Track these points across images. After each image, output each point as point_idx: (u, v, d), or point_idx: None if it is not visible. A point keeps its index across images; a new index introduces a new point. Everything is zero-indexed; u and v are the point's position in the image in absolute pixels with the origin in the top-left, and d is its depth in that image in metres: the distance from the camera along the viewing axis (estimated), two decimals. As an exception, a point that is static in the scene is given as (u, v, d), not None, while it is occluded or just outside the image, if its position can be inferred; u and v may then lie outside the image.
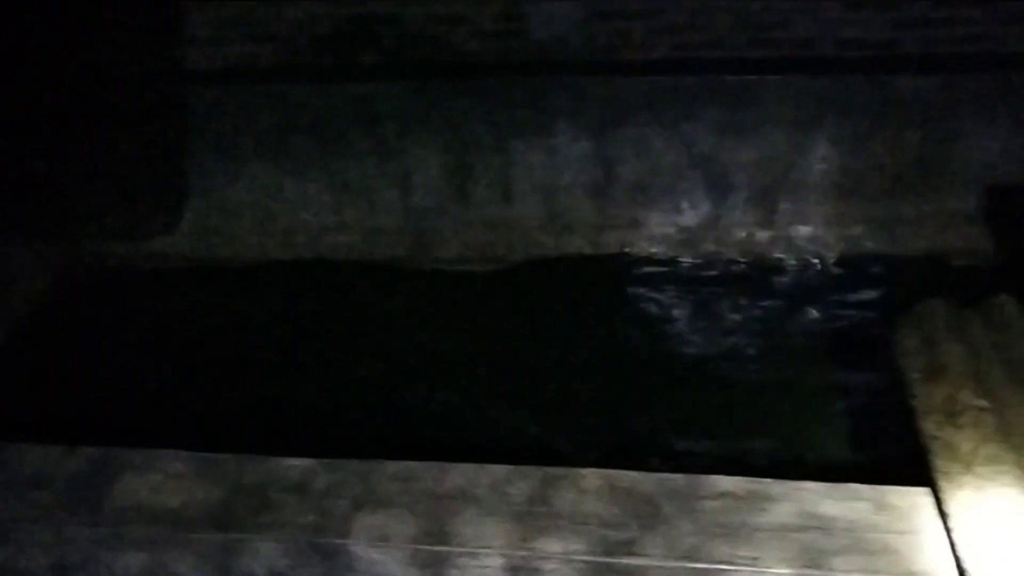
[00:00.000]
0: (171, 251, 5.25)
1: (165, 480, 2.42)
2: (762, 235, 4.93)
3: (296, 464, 2.48)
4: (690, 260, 4.96)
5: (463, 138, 4.86)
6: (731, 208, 4.92)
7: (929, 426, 2.50)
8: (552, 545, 2.22)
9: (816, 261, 4.85)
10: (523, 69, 4.94)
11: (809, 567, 2.15)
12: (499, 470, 2.44)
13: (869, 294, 4.57)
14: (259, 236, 5.19)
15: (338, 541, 2.27)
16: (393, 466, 2.46)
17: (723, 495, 2.32)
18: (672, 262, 4.96)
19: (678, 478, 2.40)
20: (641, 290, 4.82)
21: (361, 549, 2.26)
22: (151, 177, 5.10)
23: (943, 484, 2.30)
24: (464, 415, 3.90)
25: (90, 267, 5.24)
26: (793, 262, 4.85)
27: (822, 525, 2.23)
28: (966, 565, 2.09)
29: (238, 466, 2.47)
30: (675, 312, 4.65)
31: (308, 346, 4.54)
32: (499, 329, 4.57)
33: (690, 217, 4.94)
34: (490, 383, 4.14)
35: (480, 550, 2.22)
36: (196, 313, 4.80)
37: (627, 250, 5.00)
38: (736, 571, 2.16)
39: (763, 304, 4.60)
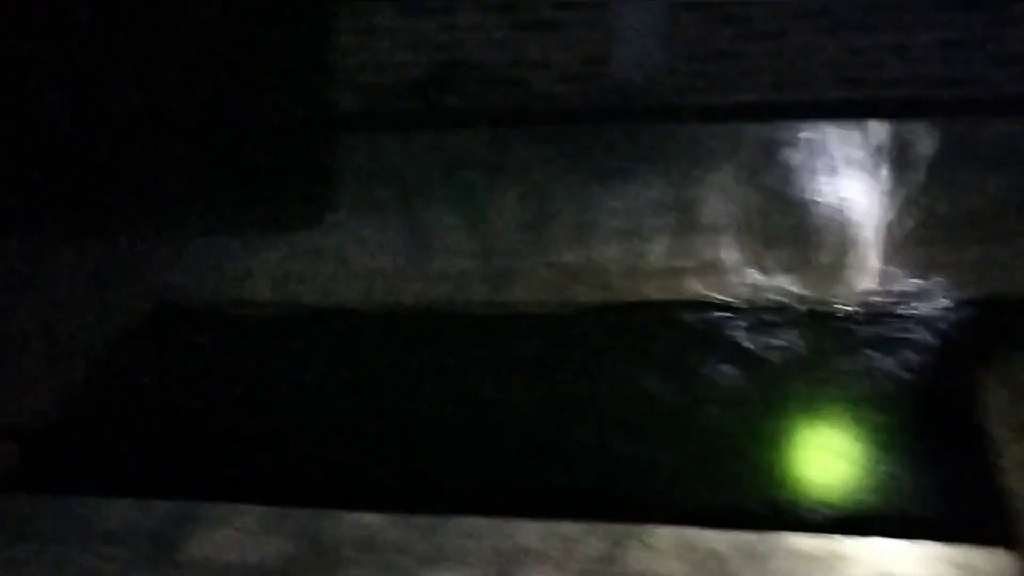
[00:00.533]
0: (253, 295, 5.34)
1: (237, 535, 2.44)
2: (843, 280, 4.83)
3: (366, 520, 2.48)
4: (771, 307, 4.88)
5: (542, 184, 4.86)
6: (813, 253, 4.82)
7: (1017, 486, 2.40)
8: (620, 605, 2.18)
9: (897, 308, 4.74)
10: (604, 115, 4.95)
11: (887, 631, 2.08)
12: (569, 527, 2.41)
13: (955, 343, 4.43)
14: (339, 282, 5.26)
15: (409, 599, 2.26)
16: (462, 522, 2.45)
17: (796, 554, 2.25)
18: (752, 309, 4.88)
19: (750, 536, 2.34)
20: (720, 337, 4.75)
21: (429, 607, 2.25)
22: (236, 221, 5.20)
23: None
24: (535, 467, 3.85)
25: (173, 308, 5.35)
26: (874, 308, 4.74)
27: (900, 586, 2.16)
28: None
29: (309, 521, 2.48)
30: (754, 360, 4.55)
31: (383, 394, 4.55)
32: (577, 376, 4.53)
33: (772, 263, 4.85)
34: (564, 433, 4.09)
35: (548, 610, 2.19)
36: (275, 359, 4.86)
37: (707, 296, 4.94)
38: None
39: (843, 352, 4.49)
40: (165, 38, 5.27)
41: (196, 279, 5.30)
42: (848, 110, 4.94)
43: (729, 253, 4.84)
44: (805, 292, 4.86)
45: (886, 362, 4.36)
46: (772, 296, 4.86)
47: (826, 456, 3.77)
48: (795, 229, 4.75)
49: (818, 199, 4.70)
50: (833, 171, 4.70)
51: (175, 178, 5.16)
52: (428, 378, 4.64)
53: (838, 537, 2.29)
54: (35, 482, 2.72)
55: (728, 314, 4.85)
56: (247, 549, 2.41)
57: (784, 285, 4.84)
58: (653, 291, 4.96)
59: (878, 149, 4.65)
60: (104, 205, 5.02)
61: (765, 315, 4.83)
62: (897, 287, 4.71)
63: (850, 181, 4.70)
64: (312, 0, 5.15)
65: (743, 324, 4.81)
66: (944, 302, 4.60)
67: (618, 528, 2.40)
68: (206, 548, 2.41)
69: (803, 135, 4.75)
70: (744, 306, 4.89)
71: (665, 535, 2.36)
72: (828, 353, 4.49)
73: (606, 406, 4.30)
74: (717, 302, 4.88)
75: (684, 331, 4.81)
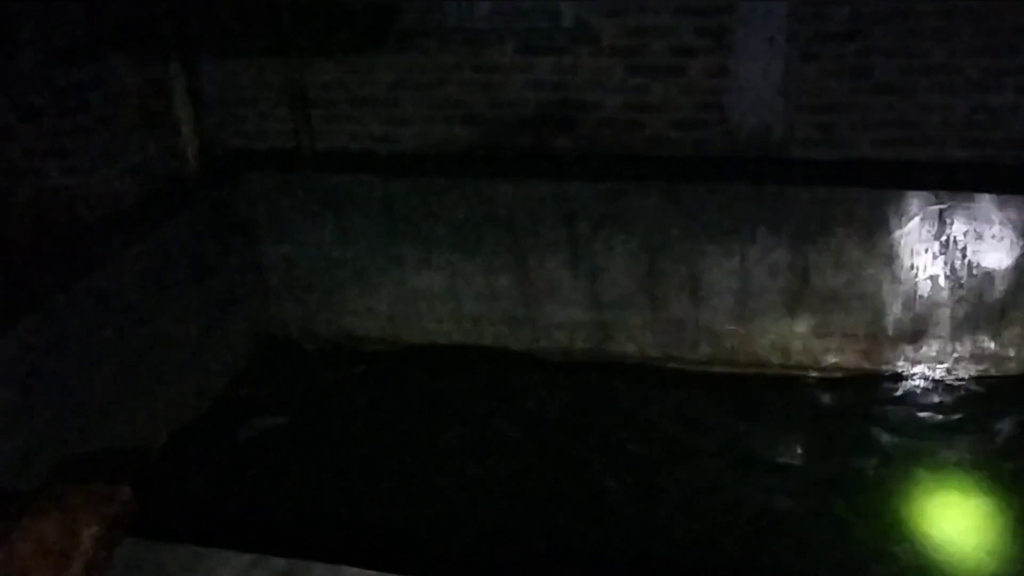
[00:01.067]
0: (365, 333, 5.41)
1: (347, 600, 2.44)
2: (965, 351, 4.71)
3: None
4: (889, 376, 4.77)
5: (655, 238, 4.81)
6: (937, 324, 4.70)
7: None
8: None
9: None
10: (720, 171, 4.88)
11: None
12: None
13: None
14: (448, 324, 5.28)
15: None
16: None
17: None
18: (866, 378, 4.77)
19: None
20: (830, 404, 4.66)
21: None
22: (350, 261, 5.25)
23: None
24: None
25: (288, 344, 5.44)
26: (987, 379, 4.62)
27: None
28: None
29: (419, 591, 2.46)
30: (869, 435, 4.44)
31: (489, 446, 4.55)
32: (682, 436, 4.48)
33: (891, 330, 4.73)
34: (668, 503, 4.04)
35: None
36: (381, 402, 4.90)
37: (818, 362, 4.84)
38: None
39: (969, 422, 4.38)
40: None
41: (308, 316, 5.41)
42: (972, 172, 4.80)
43: (845, 320, 4.75)
44: (928, 360, 4.75)
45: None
46: (891, 363, 4.77)
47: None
48: (917, 296, 4.65)
49: (943, 268, 4.59)
50: (961, 241, 4.56)
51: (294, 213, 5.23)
52: (530, 428, 4.64)
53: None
54: (146, 527, 2.73)
55: (842, 382, 4.80)
56: (356, 615, 2.40)
57: (904, 352, 4.74)
58: (764, 353, 4.90)
59: (1004, 220, 4.49)
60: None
61: (883, 383, 4.75)
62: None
63: (978, 252, 4.56)
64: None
65: (856, 391, 4.73)
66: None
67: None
68: (315, 611, 2.41)
69: (922, 201, 4.60)
70: (857, 373, 4.81)
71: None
72: (958, 420, 4.39)
73: (708, 472, 4.26)
74: (828, 366, 4.83)
75: (793, 398, 4.74)
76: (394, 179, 5.09)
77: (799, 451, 4.35)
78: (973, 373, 4.75)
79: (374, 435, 4.62)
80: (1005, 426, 4.38)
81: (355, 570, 2.54)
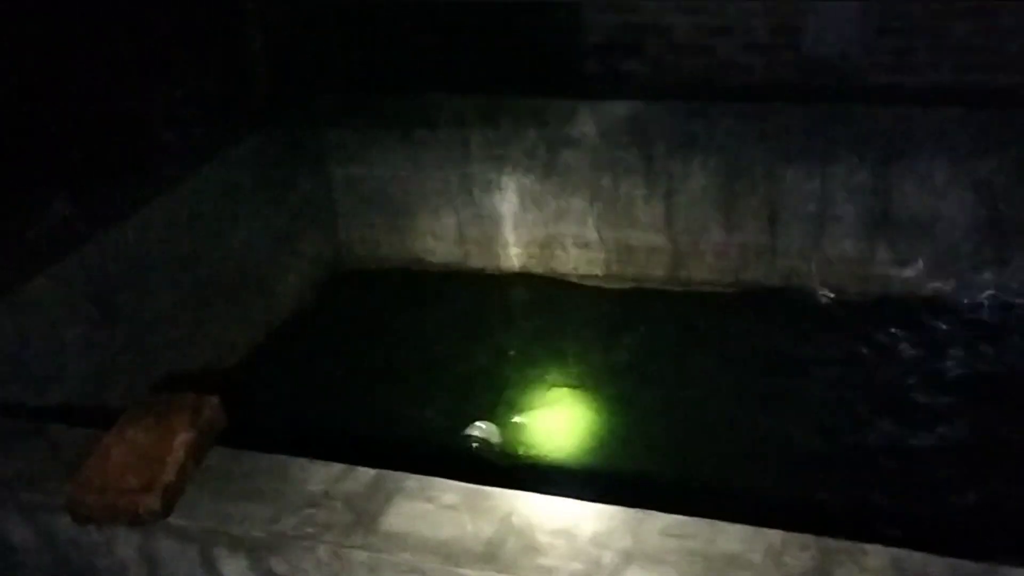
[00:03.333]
0: (431, 257, 5.39)
1: (437, 510, 2.43)
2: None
3: (567, 506, 2.44)
4: (967, 304, 4.67)
5: (732, 161, 4.72)
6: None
7: None
8: (832, 626, 2.09)
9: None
10: (801, 95, 4.77)
11: None
12: (775, 536, 2.32)
13: None
14: (517, 247, 5.25)
15: (604, 594, 2.22)
16: (665, 519, 2.38)
17: (1023, 591, 2.12)
18: (945, 305, 4.68)
19: (972, 565, 2.21)
20: (904, 333, 4.57)
21: (628, 606, 2.20)
22: (419, 184, 5.22)
23: None
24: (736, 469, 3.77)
25: (353, 268, 5.46)
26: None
27: None
28: None
29: (508, 502, 2.45)
30: (942, 360, 4.36)
31: (555, 366, 4.54)
32: (751, 365, 4.43)
33: (970, 259, 4.62)
34: (745, 433, 4.01)
35: (755, 623, 2.12)
36: (450, 323, 4.90)
37: (902, 285, 4.75)
38: None
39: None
40: None
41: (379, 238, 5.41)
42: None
43: (924, 248, 4.65)
44: (1004, 291, 4.65)
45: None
46: (969, 293, 4.66)
47: None
48: (1001, 224, 4.53)
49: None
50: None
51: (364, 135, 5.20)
52: (598, 351, 4.62)
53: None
54: (232, 437, 2.75)
55: (919, 309, 4.71)
56: (446, 525, 2.40)
57: (986, 281, 4.64)
58: (836, 279, 4.81)
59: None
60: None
61: (960, 310, 4.66)
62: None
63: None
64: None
65: (936, 318, 4.63)
66: None
67: (828, 542, 2.29)
68: (406, 520, 2.41)
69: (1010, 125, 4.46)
70: (935, 300, 4.71)
71: (878, 554, 2.24)
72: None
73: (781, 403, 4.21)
74: (905, 295, 4.74)
75: (869, 324, 4.67)
76: (466, 99, 5.02)
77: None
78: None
79: (439, 358, 4.63)
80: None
81: (445, 481, 2.54)
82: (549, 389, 4.40)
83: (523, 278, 5.25)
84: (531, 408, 4.29)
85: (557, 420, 4.19)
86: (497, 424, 4.11)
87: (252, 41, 5.18)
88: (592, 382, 4.41)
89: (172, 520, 2.44)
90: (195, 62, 4.98)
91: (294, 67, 5.37)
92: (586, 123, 4.86)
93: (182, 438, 2.52)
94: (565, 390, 4.38)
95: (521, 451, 3.99)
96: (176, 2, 4.86)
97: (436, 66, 5.30)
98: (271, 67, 5.27)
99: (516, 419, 4.19)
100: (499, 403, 4.31)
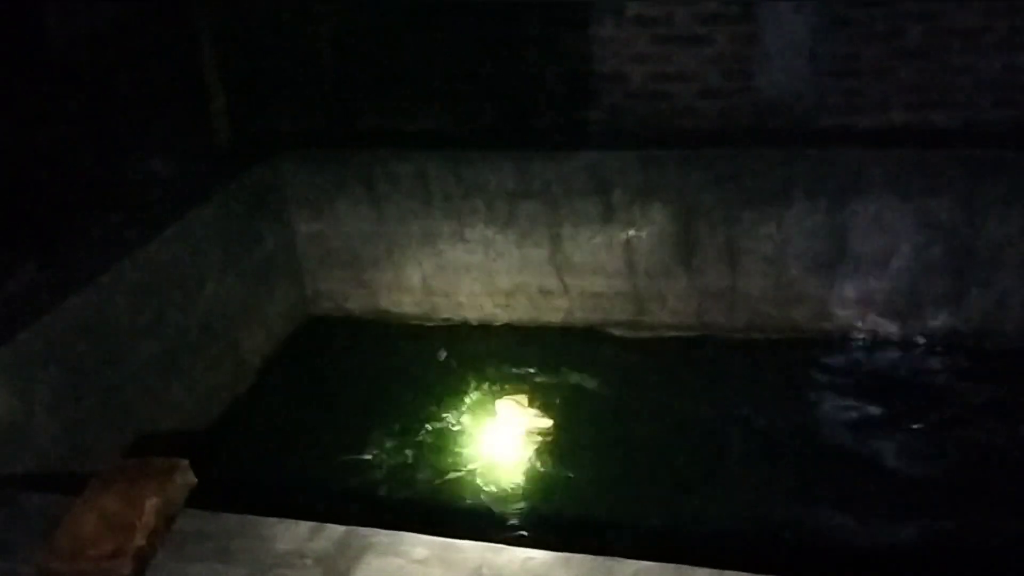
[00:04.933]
0: (397, 308, 5.43)
1: (408, 565, 2.46)
2: (1010, 318, 4.67)
3: (535, 556, 2.47)
4: (924, 341, 4.76)
5: (690, 206, 4.80)
6: (976, 287, 4.67)
7: None
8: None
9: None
10: (755, 138, 4.87)
11: None
12: (743, 580, 2.37)
13: None
14: (481, 297, 5.30)
15: (575, 643, 2.25)
16: (634, 566, 2.42)
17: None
18: (905, 344, 4.76)
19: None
20: (866, 373, 4.65)
21: (598, 653, 2.23)
22: (383, 238, 5.26)
23: None
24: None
25: (322, 320, 5.48)
26: None
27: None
28: None
29: (478, 555, 2.48)
30: (905, 402, 4.42)
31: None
32: (718, 407, 4.48)
33: (928, 296, 4.71)
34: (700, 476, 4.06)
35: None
36: (414, 374, 4.94)
37: (857, 326, 4.83)
38: None
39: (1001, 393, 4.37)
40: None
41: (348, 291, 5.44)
42: (1007, 132, 4.78)
43: (882, 285, 4.73)
44: (963, 327, 4.73)
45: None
46: (927, 328, 4.75)
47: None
48: (956, 261, 4.62)
49: (980, 231, 4.55)
50: (998, 203, 4.53)
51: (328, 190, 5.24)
52: (572, 399, 4.65)
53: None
54: (202, 497, 2.77)
55: (879, 347, 4.79)
56: (416, 580, 2.43)
57: (943, 318, 4.72)
58: (801, 320, 4.89)
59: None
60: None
61: (917, 349, 4.74)
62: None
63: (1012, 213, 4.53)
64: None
65: (893, 358, 4.71)
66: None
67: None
68: (377, 576, 2.44)
69: (961, 163, 4.57)
70: (896, 339, 4.80)
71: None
72: (993, 393, 4.38)
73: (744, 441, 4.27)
74: (866, 331, 4.82)
75: (829, 360, 4.74)
76: (428, 153, 5.10)
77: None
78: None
79: (410, 407, 4.66)
80: None
81: (414, 536, 2.56)
82: (508, 434, 4.43)
83: (488, 328, 5.29)
84: (492, 451, 4.33)
85: (519, 464, 4.22)
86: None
87: (215, 99, 5.22)
88: (557, 423, 4.44)
89: (144, 585, 2.45)
90: (158, 122, 5.01)
91: (256, 124, 5.42)
92: (545, 173, 4.92)
93: (152, 503, 2.54)
94: (527, 435, 4.42)
95: (488, 498, 4.01)
96: (138, 64, 4.90)
97: (397, 121, 5.37)
98: (233, 125, 5.32)
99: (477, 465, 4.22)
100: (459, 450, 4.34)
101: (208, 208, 4.70)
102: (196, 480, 2.75)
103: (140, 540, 2.45)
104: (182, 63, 5.14)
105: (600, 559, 2.44)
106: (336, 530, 2.58)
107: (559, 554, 2.47)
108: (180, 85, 5.15)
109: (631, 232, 4.94)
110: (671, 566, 2.40)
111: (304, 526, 2.60)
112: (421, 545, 2.53)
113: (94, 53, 4.73)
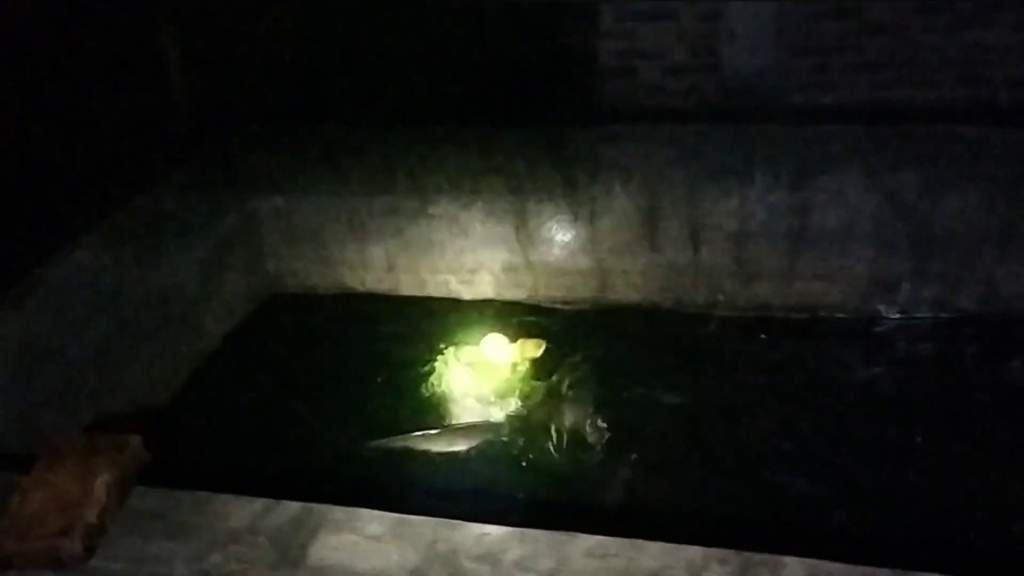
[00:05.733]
0: (361, 285, 5.39)
1: (363, 541, 2.45)
2: (969, 293, 4.70)
3: (490, 532, 2.46)
4: (889, 316, 4.79)
5: (653, 182, 4.78)
6: (935, 263, 4.69)
7: None
8: (751, 639, 2.13)
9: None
10: (718, 112, 4.87)
11: None
12: (696, 552, 2.37)
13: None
14: (444, 273, 5.27)
15: (530, 617, 2.25)
16: (587, 540, 2.42)
17: (938, 597, 2.18)
18: (867, 318, 4.78)
19: (886, 573, 2.27)
20: (832, 347, 4.66)
21: (553, 627, 2.23)
22: (348, 212, 5.22)
23: None
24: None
25: (284, 297, 5.44)
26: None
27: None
28: None
29: (433, 531, 2.47)
30: (867, 375, 4.45)
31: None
32: (681, 383, 4.48)
33: (888, 271, 4.73)
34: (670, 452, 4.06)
35: (677, 639, 2.16)
36: (378, 350, 4.92)
37: (819, 301, 4.84)
38: None
39: (965, 365, 4.41)
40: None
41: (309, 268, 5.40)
42: (969, 111, 4.80)
43: (844, 260, 4.75)
44: (923, 302, 4.76)
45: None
46: (891, 304, 4.77)
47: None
48: (917, 236, 4.64)
49: (942, 207, 4.57)
50: (960, 181, 4.54)
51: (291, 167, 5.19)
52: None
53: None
54: (158, 475, 2.74)
55: (842, 322, 4.81)
56: (371, 555, 2.41)
57: (903, 292, 4.74)
58: (766, 295, 4.90)
59: (1000, 154, 4.48)
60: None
61: (882, 324, 4.77)
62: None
63: (974, 192, 4.54)
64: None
65: (857, 332, 4.74)
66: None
67: (746, 555, 2.34)
68: (331, 553, 2.42)
69: (923, 140, 4.58)
70: (857, 313, 4.82)
71: (796, 566, 2.30)
72: (955, 364, 4.41)
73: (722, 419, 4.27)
74: (829, 305, 4.84)
75: (792, 337, 4.76)
76: (387, 127, 5.05)
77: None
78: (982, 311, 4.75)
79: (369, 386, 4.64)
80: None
81: (369, 512, 2.55)
82: (467, 405, 4.43)
83: (453, 303, 5.27)
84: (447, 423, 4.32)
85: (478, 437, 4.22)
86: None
87: (174, 75, 5.15)
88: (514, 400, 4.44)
89: (95, 562, 2.43)
90: (117, 99, 4.94)
91: (216, 100, 5.36)
92: (510, 150, 4.89)
93: (103, 479, 2.51)
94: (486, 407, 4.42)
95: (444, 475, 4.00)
96: (97, 43, 4.83)
97: (358, 96, 5.31)
98: (193, 100, 5.25)
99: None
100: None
101: (167, 184, 4.65)
102: (149, 456, 2.72)
103: (90, 517, 2.42)
104: (141, 40, 5.07)
105: (554, 533, 2.44)
106: (291, 506, 2.56)
107: (514, 529, 2.46)
108: (139, 61, 5.07)
109: (595, 208, 4.90)
110: (625, 541, 2.41)
111: (258, 503, 2.58)
112: (376, 521, 2.52)
113: (52, 31, 4.67)
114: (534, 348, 4.69)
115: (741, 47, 4.98)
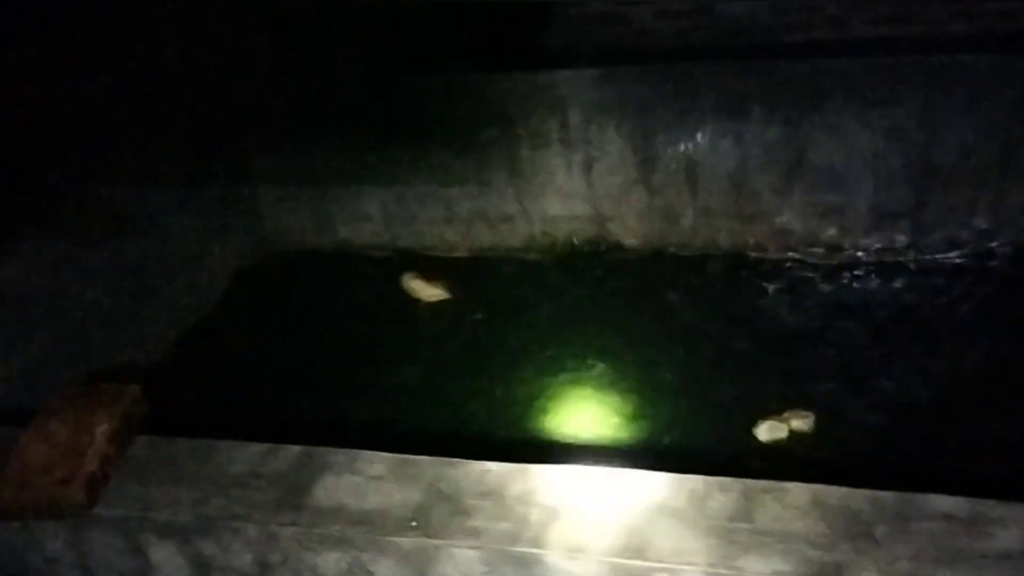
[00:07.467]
0: (357, 238, 5.37)
1: (365, 481, 2.45)
2: (971, 226, 4.66)
3: (492, 469, 2.46)
4: (888, 254, 4.76)
5: (648, 124, 4.74)
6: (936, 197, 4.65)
7: None
8: (757, 564, 2.13)
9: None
10: (711, 53, 4.81)
11: (1039, 600, 2.00)
12: (698, 481, 2.37)
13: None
14: (441, 226, 5.24)
15: (533, 551, 2.24)
16: (591, 472, 2.42)
17: (942, 517, 2.18)
18: (862, 258, 4.76)
19: (889, 496, 2.27)
20: (827, 286, 4.65)
21: (556, 560, 2.23)
22: (343, 166, 5.18)
23: None
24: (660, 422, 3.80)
25: (279, 252, 5.41)
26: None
27: (1054, 554, 2.07)
28: None
29: (435, 470, 2.47)
30: (875, 313, 4.42)
31: (489, 340, 4.55)
32: (682, 326, 4.48)
33: (889, 207, 4.69)
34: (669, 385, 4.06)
35: (681, 567, 2.15)
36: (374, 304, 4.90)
37: (819, 238, 4.81)
38: (958, 600, 2.04)
39: (970, 305, 4.38)
40: None
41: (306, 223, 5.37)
42: (963, 45, 4.74)
43: (843, 197, 4.71)
44: (924, 237, 4.73)
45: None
46: (889, 240, 4.74)
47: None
48: (916, 170, 4.59)
49: (940, 140, 4.52)
50: (958, 111, 4.49)
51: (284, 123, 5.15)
52: (529, 323, 4.62)
53: (988, 502, 2.20)
54: (159, 424, 2.74)
55: (842, 260, 4.79)
56: (374, 495, 2.42)
57: (904, 228, 4.71)
58: (761, 237, 4.87)
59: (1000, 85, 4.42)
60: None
61: (882, 261, 4.74)
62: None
63: (973, 122, 4.49)
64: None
65: (860, 267, 4.71)
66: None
67: (749, 483, 2.35)
68: (334, 493, 2.42)
69: (919, 72, 4.52)
70: (858, 250, 4.79)
71: (799, 492, 2.30)
72: (959, 302, 4.39)
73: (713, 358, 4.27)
74: (830, 244, 4.81)
75: (795, 278, 4.74)
76: (378, 77, 5.01)
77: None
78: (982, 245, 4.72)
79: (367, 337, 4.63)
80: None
81: (371, 453, 2.55)
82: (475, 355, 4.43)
83: (449, 255, 5.26)
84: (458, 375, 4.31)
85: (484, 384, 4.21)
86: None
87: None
88: (519, 346, 4.43)
89: (98, 510, 2.43)
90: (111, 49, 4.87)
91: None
92: (503, 97, 4.84)
93: (103, 428, 2.51)
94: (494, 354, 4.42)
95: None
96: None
97: (349, 45, 5.25)
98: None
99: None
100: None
101: (161, 141, 4.62)
102: (148, 406, 2.72)
103: (91, 466, 2.43)
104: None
105: (556, 467, 2.44)
106: (291, 450, 2.57)
107: (516, 465, 2.47)
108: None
109: (590, 152, 4.86)
110: (629, 471, 2.41)
111: (259, 447, 2.58)
112: (378, 462, 2.52)
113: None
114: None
115: (732, -12, 4.92)
